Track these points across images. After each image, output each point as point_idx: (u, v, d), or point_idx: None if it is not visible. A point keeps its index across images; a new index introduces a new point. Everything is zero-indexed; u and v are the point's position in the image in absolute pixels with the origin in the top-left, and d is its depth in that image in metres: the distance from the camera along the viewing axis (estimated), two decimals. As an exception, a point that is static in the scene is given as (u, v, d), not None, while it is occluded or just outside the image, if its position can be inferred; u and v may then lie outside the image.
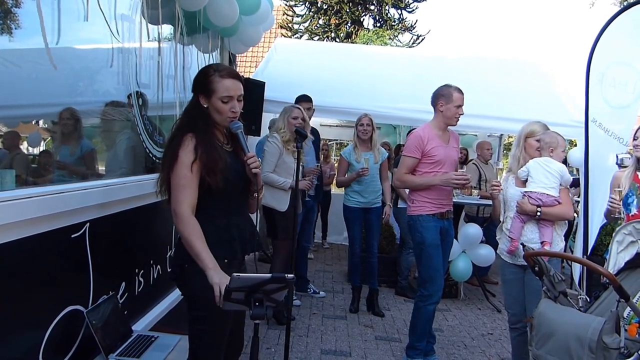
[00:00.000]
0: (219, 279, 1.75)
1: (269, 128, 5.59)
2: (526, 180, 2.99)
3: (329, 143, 9.43)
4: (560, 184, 2.96)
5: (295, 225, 3.34)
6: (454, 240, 4.82)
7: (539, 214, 2.89)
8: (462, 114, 3.36)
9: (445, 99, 3.33)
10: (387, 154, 4.76)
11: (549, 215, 2.91)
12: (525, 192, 2.95)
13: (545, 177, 2.91)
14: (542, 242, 2.93)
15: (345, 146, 7.60)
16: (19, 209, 1.71)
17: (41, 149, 2.31)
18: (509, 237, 2.99)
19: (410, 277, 5.33)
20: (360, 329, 4.23)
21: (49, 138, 2.36)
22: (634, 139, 2.99)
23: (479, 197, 5.45)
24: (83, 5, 2.22)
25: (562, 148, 3.01)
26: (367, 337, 4.05)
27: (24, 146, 2.18)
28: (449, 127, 3.45)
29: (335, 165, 6.23)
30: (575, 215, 4.50)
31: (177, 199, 1.88)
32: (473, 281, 5.44)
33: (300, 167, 4.07)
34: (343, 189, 4.79)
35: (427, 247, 3.36)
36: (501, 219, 3.11)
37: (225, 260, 1.94)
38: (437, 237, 3.38)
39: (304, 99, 4.58)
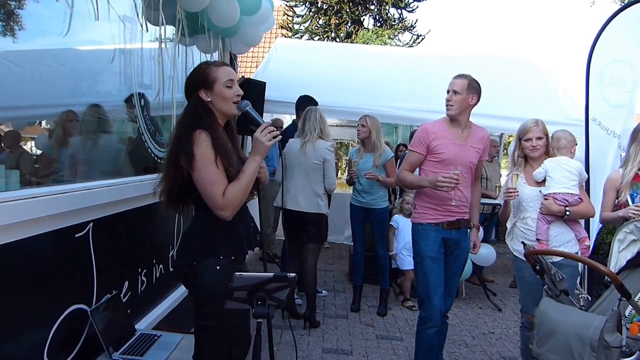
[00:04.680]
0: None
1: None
2: (542, 181, 2.93)
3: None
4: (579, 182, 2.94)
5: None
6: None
7: (567, 214, 2.82)
8: (448, 99, 2.89)
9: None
10: (392, 154, 4.73)
11: (576, 214, 2.87)
12: (549, 193, 2.87)
13: (565, 176, 2.88)
14: (580, 239, 2.89)
15: (345, 146, 7.60)
16: (23, 209, 1.72)
17: (46, 150, 2.32)
18: (537, 239, 2.87)
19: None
20: (361, 327, 4.23)
21: (53, 138, 2.37)
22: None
23: None
24: (93, 5, 2.23)
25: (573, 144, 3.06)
26: (369, 336, 4.06)
27: (27, 146, 2.19)
28: (471, 122, 3.00)
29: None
30: None
31: (213, 194, 1.83)
32: (474, 280, 5.44)
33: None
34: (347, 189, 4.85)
35: (424, 260, 2.94)
36: (508, 223, 3.05)
37: (233, 258, 1.94)
38: (436, 248, 2.94)
39: (312, 103, 4.47)
